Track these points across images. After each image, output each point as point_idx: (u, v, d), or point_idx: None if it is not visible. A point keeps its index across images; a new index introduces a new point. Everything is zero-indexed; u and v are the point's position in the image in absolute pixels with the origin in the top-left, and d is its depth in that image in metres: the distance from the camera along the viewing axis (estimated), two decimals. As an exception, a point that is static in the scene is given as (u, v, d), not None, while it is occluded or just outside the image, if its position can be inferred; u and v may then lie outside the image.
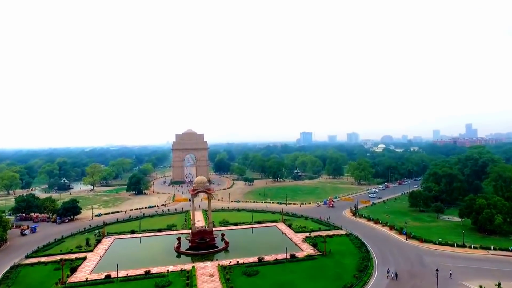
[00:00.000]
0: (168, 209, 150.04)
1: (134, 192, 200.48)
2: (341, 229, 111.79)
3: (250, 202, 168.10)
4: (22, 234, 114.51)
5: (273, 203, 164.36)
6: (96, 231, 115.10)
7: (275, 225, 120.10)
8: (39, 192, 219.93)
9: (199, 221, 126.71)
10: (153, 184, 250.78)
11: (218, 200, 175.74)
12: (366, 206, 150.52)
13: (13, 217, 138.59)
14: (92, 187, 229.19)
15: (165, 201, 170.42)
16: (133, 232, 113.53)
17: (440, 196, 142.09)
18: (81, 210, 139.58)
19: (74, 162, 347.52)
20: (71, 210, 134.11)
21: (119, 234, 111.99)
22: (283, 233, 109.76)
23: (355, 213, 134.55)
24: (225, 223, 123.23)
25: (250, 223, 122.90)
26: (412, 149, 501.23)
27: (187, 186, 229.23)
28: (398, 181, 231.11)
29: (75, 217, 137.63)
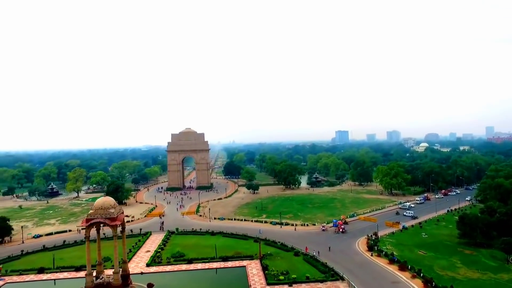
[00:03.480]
0: (131, 229, 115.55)
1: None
2: (343, 279, 69.92)
3: (238, 219, 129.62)
4: None
5: (265, 222, 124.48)
6: (0, 265, 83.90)
7: (245, 266, 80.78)
8: (15, 200, 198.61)
9: (148, 253, 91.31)
10: (147, 190, 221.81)
11: (200, 216, 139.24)
12: (393, 232, 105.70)
13: None
14: (76, 194, 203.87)
15: (132, 216, 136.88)
16: (41, 270, 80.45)
17: (510, 222, 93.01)
18: (12, 230, 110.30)
19: (85, 165, 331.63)
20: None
21: (20, 274, 79.43)
22: (249, 285, 70.30)
23: (372, 246, 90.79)
24: (178, 257, 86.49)
25: (213, 258, 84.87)
26: (461, 148, 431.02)
27: (184, 193, 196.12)
28: (443, 190, 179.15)
29: (4, 238, 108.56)
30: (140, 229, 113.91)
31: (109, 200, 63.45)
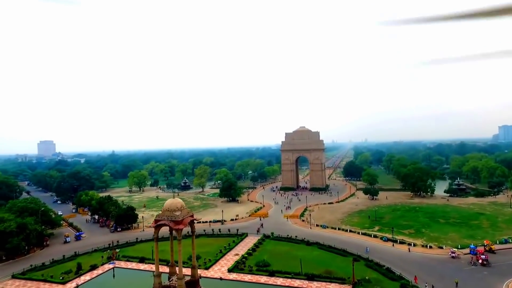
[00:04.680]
0: (228, 229, 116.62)
1: (227, 198, 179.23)
2: None
3: (343, 229, 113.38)
4: (65, 241, 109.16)
5: (375, 236, 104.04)
6: (117, 249, 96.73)
7: (331, 290, 67.13)
8: (157, 192, 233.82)
9: (236, 256, 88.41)
10: (263, 188, 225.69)
11: (303, 221, 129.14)
12: None
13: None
14: (201, 188, 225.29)
15: (236, 215, 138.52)
16: (142, 260, 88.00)
17: None
18: (137, 218, 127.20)
19: (217, 162, 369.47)
20: (124, 218, 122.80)
21: (127, 260, 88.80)
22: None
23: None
24: (262, 266, 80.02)
25: (298, 274, 74.43)
26: None
27: (296, 194, 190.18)
28: None
29: (133, 225, 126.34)
30: (237, 230, 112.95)
31: (177, 202, 61.70)
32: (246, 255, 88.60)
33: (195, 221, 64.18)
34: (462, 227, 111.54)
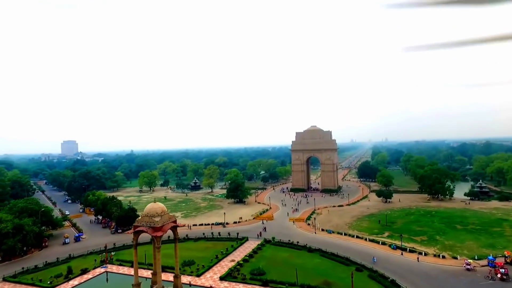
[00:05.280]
0: (228, 233, 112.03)
1: (234, 200, 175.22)
2: None
3: (350, 235, 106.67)
4: (64, 243, 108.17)
5: (383, 243, 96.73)
6: (113, 252, 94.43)
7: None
8: (165, 192, 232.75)
9: (232, 262, 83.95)
10: (273, 189, 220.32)
11: (309, 224, 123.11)
12: None
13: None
14: (210, 189, 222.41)
15: (240, 218, 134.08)
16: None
17: None
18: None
19: (230, 162, 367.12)
20: (125, 219, 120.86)
21: (120, 265, 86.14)
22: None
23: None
24: (257, 274, 75.05)
25: (293, 285, 69.08)
26: None
27: (305, 195, 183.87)
28: None
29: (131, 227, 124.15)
30: (237, 233, 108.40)
31: (157, 207, 57.97)
32: (242, 262, 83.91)
33: (178, 226, 60.20)
34: (481, 235, 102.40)
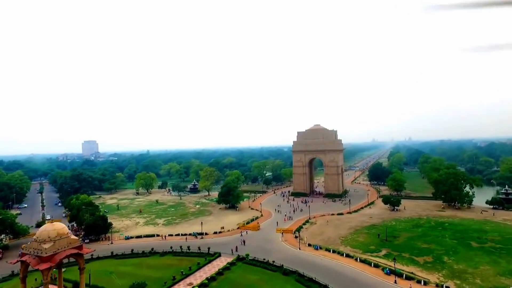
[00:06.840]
0: (199, 247, 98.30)
1: (226, 205, 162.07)
2: None
3: (339, 252, 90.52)
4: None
5: (375, 265, 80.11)
6: (63, 268, 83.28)
7: None
8: (161, 194, 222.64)
9: (189, 286, 70.60)
10: (274, 193, 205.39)
11: (296, 237, 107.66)
12: None
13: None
14: (207, 192, 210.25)
15: (222, 227, 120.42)
16: (75, 286, 73.46)
17: None
18: (111, 228, 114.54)
19: (237, 163, 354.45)
20: (93, 228, 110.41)
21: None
22: None
23: None
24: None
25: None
26: None
27: (305, 201, 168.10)
28: None
29: (105, 236, 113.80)
30: (208, 248, 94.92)
31: (50, 230, 45.20)
32: (199, 287, 70.44)
33: (82, 253, 47.34)
34: (501, 256, 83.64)
